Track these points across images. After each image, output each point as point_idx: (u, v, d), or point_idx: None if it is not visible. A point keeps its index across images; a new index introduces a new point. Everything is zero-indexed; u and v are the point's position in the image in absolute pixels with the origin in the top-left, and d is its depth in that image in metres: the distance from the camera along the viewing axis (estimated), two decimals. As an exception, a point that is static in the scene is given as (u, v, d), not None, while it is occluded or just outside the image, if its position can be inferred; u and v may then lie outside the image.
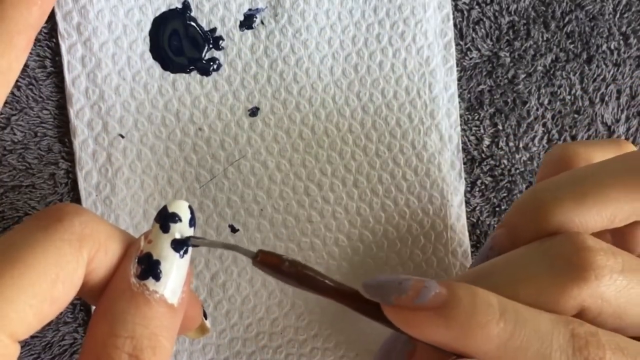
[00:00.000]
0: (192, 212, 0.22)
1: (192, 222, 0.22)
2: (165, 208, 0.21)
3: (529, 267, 0.22)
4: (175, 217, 0.21)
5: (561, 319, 0.21)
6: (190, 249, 0.21)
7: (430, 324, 0.21)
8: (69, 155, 0.31)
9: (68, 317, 0.32)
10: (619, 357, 0.21)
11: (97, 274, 0.20)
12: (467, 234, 0.33)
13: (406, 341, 0.24)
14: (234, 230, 0.32)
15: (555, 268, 0.22)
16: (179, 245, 0.21)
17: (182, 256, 0.21)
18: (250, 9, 0.31)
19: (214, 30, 0.31)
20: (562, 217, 0.23)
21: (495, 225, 0.34)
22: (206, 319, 0.26)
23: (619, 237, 0.24)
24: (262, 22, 0.32)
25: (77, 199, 0.31)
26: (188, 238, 0.21)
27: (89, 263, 0.20)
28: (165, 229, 0.21)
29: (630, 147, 0.27)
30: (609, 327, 0.22)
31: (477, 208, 0.34)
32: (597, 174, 0.23)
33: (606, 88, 0.34)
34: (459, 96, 0.33)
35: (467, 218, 0.33)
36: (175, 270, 0.21)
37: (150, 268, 0.20)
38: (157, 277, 0.20)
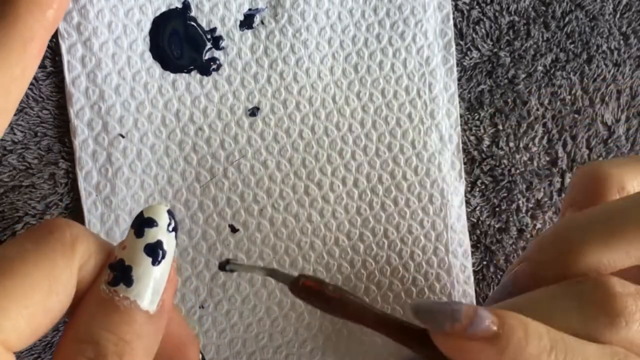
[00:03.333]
0: (172, 217, 0.21)
1: (172, 227, 0.21)
2: (141, 213, 0.21)
3: (560, 309, 0.22)
4: (151, 222, 0.21)
5: (606, 349, 0.21)
6: (168, 254, 0.21)
7: (482, 354, 0.21)
8: (69, 155, 0.31)
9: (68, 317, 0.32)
10: None
11: (84, 284, 0.20)
12: (467, 234, 0.33)
13: None
14: (234, 230, 0.32)
15: (587, 313, 0.22)
16: (153, 250, 0.20)
17: (157, 262, 0.20)
18: (250, 9, 0.32)
19: (214, 30, 0.31)
20: (589, 258, 0.23)
21: (495, 226, 0.34)
22: None
23: None
24: (262, 22, 0.32)
25: (77, 199, 0.31)
26: (227, 261, 0.20)
27: (78, 273, 0.20)
28: (139, 234, 0.20)
29: None
30: None
31: (477, 208, 0.34)
32: (624, 212, 0.23)
33: (606, 88, 0.34)
34: (459, 96, 0.33)
35: (467, 218, 0.33)
36: (149, 276, 0.20)
37: (122, 274, 0.20)
38: (128, 283, 0.20)
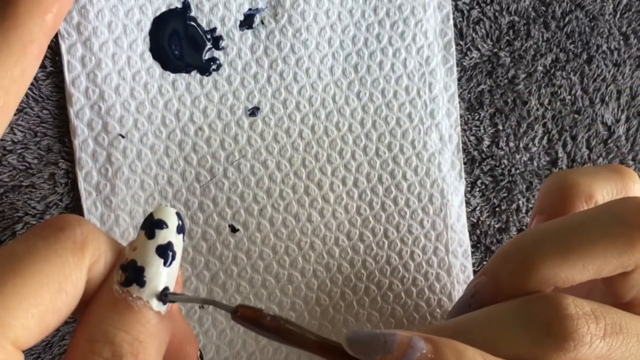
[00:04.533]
0: (180, 219, 0.21)
1: (180, 229, 0.21)
2: (151, 215, 0.21)
3: (509, 329, 0.22)
4: (161, 224, 0.21)
5: None
6: (177, 255, 0.21)
7: None
8: (69, 155, 0.31)
9: (68, 317, 0.32)
10: None
11: (94, 284, 0.20)
12: (467, 234, 0.33)
13: None
14: (234, 230, 0.32)
15: (535, 334, 0.21)
16: (164, 251, 0.21)
17: (168, 263, 0.21)
18: (250, 9, 0.32)
19: (214, 30, 0.31)
20: (546, 272, 0.22)
21: (495, 226, 0.34)
22: (202, 359, 0.25)
23: (609, 283, 0.24)
24: (262, 22, 0.32)
25: (77, 199, 0.31)
26: (166, 295, 0.21)
27: (88, 272, 0.20)
28: (150, 235, 0.21)
29: (632, 175, 0.26)
30: None
31: (477, 208, 0.34)
32: (583, 226, 0.23)
33: (606, 88, 0.34)
34: (459, 96, 0.33)
35: (467, 218, 0.33)
36: (160, 277, 0.20)
37: (134, 275, 0.20)
38: (141, 284, 0.20)
